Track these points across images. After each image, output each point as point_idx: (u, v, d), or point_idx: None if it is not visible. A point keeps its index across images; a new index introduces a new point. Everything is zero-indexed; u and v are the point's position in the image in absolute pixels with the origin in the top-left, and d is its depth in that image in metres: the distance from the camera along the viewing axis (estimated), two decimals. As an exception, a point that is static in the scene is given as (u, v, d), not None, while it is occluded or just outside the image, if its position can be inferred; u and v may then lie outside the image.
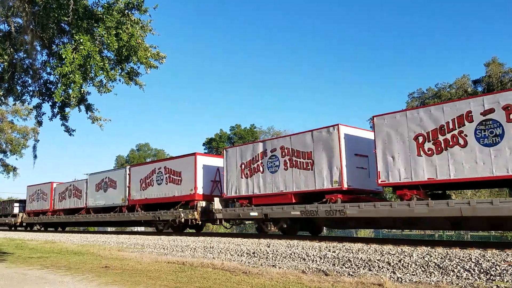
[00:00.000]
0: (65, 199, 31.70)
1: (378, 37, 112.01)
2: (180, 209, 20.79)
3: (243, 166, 18.20)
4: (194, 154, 20.93)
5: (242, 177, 18.16)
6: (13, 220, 38.52)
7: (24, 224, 38.76)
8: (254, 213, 16.98)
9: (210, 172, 21.08)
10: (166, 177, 22.15)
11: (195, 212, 19.43)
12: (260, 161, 17.41)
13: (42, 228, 36.89)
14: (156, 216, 21.97)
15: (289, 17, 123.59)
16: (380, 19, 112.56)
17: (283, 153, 16.52)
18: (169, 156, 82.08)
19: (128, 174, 25.08)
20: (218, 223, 19.45)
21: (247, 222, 21.72)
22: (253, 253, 12.11)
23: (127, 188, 24.86)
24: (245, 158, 18.15)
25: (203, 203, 19.83)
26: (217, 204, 18.82)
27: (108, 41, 8.42)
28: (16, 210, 38.65)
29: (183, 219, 19.99)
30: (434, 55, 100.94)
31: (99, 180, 27.77)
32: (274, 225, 16.94)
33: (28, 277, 9.29)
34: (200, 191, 20.34)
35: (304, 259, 10.58)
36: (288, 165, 16.27)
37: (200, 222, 20.44)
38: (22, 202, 39.02)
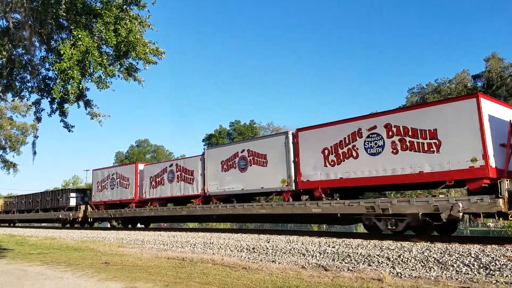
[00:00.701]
0: (162, 185, 22.67)
1: (377, 34, 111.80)
2: (442, 195, 12.51)
3: None
4: (476, 95, 11.68)
5: None
6: (71, 214, 29.93)
7: (90, 219, 30.23)
8: None
9: (500, 130, 11.95)
10: (393, 142, 12.89)
11: (500, 200, 10.55)
12: None
13: (120, 225, 27.17)
14: (377, 206, 12.87)
15: (289, 15, 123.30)
16: (380, 16, 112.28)
17: None
18: (170, 152, 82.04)
19: (294, 142, 16.07)
20: None
21: None
22: (253, 248, 12.13)
23: (293, 164, 16.00)
24: None
25: (507, 183, 10.85)
26: None
27: (107, 37, 8.40)
28: (72, 201, 30.48)
29: (460, 213, 11.17)
30: (434, 51, 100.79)
31: (230, 155, 18.79)
32: None
33: (28, 273, 9.30)
34: (492, 161, 11.28)
35: (303, 255, 10.59)
36: None
37: None
38: (80, 192, 31.73)
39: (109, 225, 28.72)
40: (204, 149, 20.81)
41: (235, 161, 18.51)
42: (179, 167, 21.74)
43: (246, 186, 17.76)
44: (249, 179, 17.68)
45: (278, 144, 16.72)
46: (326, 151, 14.77)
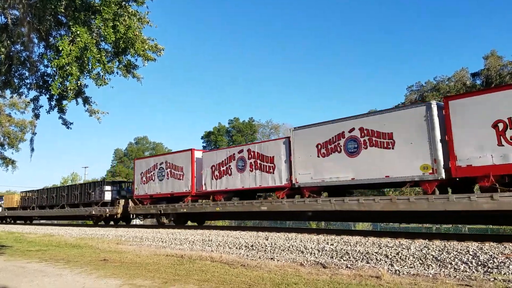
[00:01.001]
0: (229, 175, 19.02)
1: (376, 31, 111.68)
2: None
3: None
4: None
5: None
6: (107, 210, 26.21)
7: (132, 216, 26.63)
8: None
9: None
10: None
11: None
12: None
13: (171, 222, 22.47)
14: None
15: (288, 12, 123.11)
16: (378, 13, 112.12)
17: None
18: (169, 150, 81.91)
19: (441, 115, 12.32)
20: None
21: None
22: (252, 246, 12.14)
23: (440, 145, 12.25)
24: None
25: None
26: None
27: (105, 33, 8.36)
28: (107, 196, 26.99)
29: None
30: (433, 49, 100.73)
31: (331, 136, 15.04)
32: None
33: (27, 270, 9.30)
34: None
35: (302, 252, 10.61)
36: None
37: None
38: (116, 185, 28.39)
39: (163, 221, 23.69)
40: (291, 129, 17.03)
41: (339, 143, 14.74)
42: (252, 154, 18.12)
43: (359, 174, 14.04)
44: (363, 166, 13.95)
45: (414, 118, 12.88)
46: (501, 125, 11.00)
